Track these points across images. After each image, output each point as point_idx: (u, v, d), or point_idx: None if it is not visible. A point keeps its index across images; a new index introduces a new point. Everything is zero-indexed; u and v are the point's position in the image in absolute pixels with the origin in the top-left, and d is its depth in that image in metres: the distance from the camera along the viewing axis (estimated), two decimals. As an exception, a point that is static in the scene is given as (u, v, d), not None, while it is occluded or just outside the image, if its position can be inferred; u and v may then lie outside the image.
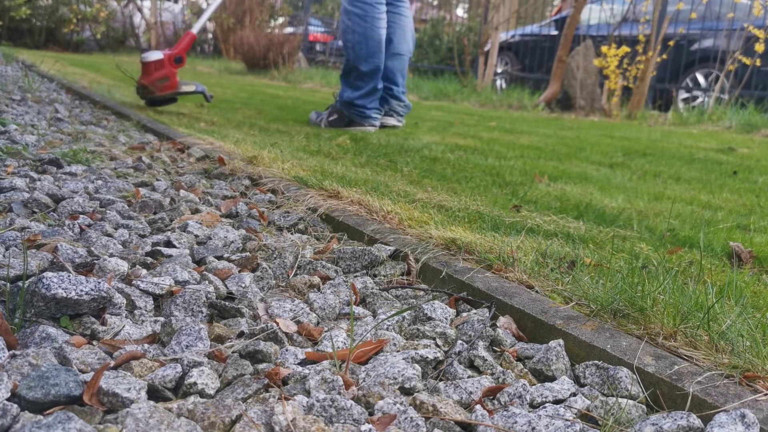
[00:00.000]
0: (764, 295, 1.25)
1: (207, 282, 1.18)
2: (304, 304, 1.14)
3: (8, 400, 0.75)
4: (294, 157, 2.37)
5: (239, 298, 1.16)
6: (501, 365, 0.98)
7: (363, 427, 0.76)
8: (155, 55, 3.52)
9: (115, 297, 1.04)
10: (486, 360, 0.97)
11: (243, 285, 1.19)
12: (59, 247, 1.21)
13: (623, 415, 0.85)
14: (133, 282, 1.12)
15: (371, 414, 0.81)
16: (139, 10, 13.18)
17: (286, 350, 0.97)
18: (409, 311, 1.13)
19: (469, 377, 0.94)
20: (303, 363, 0.94)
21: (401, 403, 0.81)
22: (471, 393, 0.88)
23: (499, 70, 9.57)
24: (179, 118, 3.44)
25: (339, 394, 0.84)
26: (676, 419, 0.80)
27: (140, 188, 1.84)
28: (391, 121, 3.82)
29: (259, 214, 1.71)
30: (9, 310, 0.98)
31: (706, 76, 7.50)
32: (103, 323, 0.99)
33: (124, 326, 0.98)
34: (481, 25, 8.97)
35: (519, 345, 1.05)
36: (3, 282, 1.03)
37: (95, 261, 1.19)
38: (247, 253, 1.38)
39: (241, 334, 1.01)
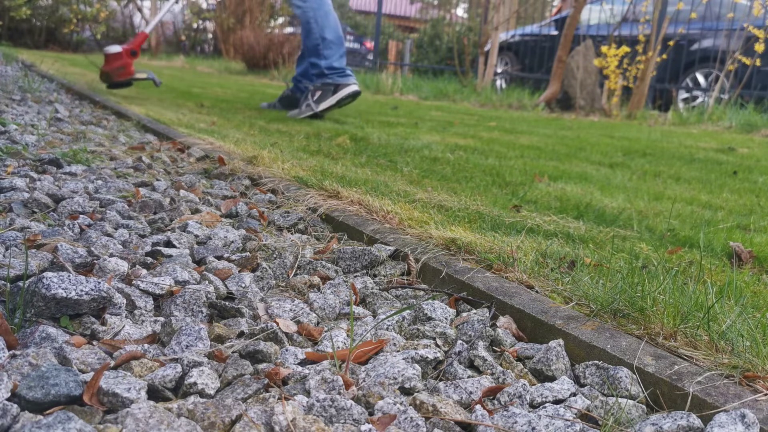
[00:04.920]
0: (764, 295, 1.25)
1: (207, 282, 1.18)
2: (304, 304, 1.14)
3: (8, 400, 0.75)
4: (294, 157, 2.37)
5: (239, 298, 1.16)
6: (501, 365, 0.98)
7: (363, 427, 0.76)
8: (115, 49, 4.20)
9: (115, 297, 1.04)
10: (486, 360, 0.97)
11: (243, 285, 1.19)
12: (59, 247, 1.21)
13: (623, 415, 0.85)
14: (133, 282, 1.12)
15: (371, 414, 0.81)
16: (139, 10, 13.18)
17: (286, 350, 0.97)
18: (409, 311, 1.13)
19: (469, 377, 0.94)
20: (303, 363, 0.95)
21: (401, 403, 0.81)
22: (471, 393, 0.88)
23: (499, 70, 9.57)
24: (179, 118, 3.44)
25: (339, 394, 0.84)
26: (676, 419, 0.80)
27: (140, 188, 1.84)
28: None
29: (259, 214, 1.71)
30: (9, 310, 0.98)
31: (706, 76, 7.50)
32: (103, 323, 0.99)
33: (124, 326, 0.98)
34: (481, 25, 8.97)
35: (519, 345, 1.05)
36: (3, 282, 1.03)
37: (95, 261, 1.19)
38: (247, 253, 1.38)
39: (241, 334, 1.01)
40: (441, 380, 0.93)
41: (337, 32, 3.84)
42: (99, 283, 1.01)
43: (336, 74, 3.84)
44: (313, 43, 3.82)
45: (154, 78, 4.27)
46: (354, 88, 3.87)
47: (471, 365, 0.99)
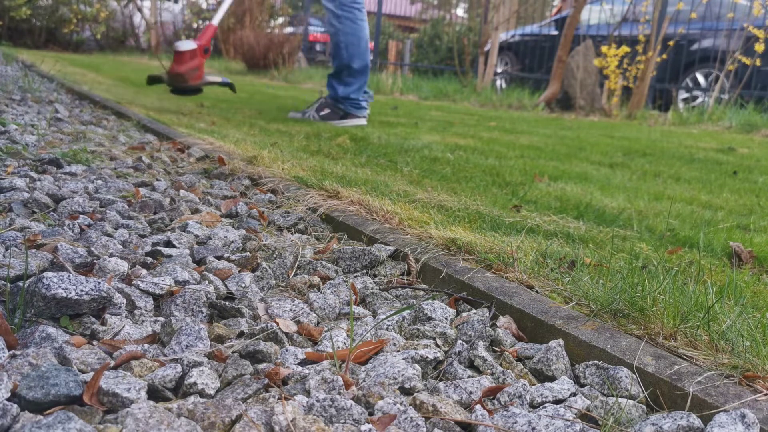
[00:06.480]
0: (764, 295, 1.25)
1: (207, 282, 1.18)
2: (304, 304, 1.14)
3: (8, 400, 0.75)
4: (294, 157, 2.37)
5: (239, 298, 1.16)
6: (501, 365, 0.98)
7: (363, 427, 0.76)
8: (190, 45, 3.52)
9: (115, 297, 1.04)
10: (486, 360, 0.97)
11: (243, 285, 1.19)
12: (59, 247, 1.21)
13: (623, 415, 0.85)
14: (133, 282, 1.12)
15: (371, 414, 0.81)
16: (139, 10, 13.18)
17: (286, 350, 0.97)
18: (409, 311, 1.13)
19: (469, 377, 0.94)
20: (303, 363, 0.95)
21: (401, 403, 0.81)
22: (471, 393, 0.88)
23: (499, 70, 9.57)
24: (179, 118, 3.44)
25: (339, 394, 0.84)
26: (676, 419, 0.80)
27: (140, 188, 1.84)
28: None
29: (259, 214, 1.71)
30: (9, 310, 0.98)
31: (706, 76, 7.50)
32: (103, 323, 0.99)
33: (124, 326, 0.98)
34: (481, 25, 8.97)
35: (519, 345, 1.05)
36: (3, 282, 1.03)
37: (95, 261, 1.19)
38: (247, 253, 1.38)
39: (241, 334, 1.01)
40: (441, 380, 0.93)
41: (365, 60, 3.79)
42: (99, 283, 1.01)
43: (351, 104, 3.85)
44: (338, 66, 3.78)
45: (230, 83, 3.81)
46: (362, 122, 3.87)
47: (471, 365, 0.99)
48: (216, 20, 3.75)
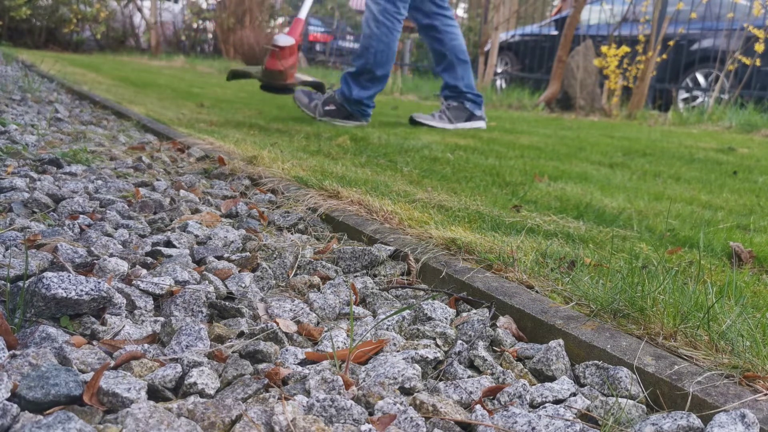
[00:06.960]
0: (764, 295, 1.25)
1: (207, 282, 1.18)
2: (304, 304, 1.14)
3: (8, 400, 0.75)
4: (294, 157, 2.37)
5: (239, 298, 1.16)
6: (501, 365, 0.98)
7: (363, 427, 0.76)
8: (289, 40, 3.40)
9: (115, 297, 1.04)
10: (486, 360, 0.97)
11: (243, 285, 1.19)
12: (59, 247, 1.21)
13: (623, 415, 0.85)
14: (133, 282, 1.12)
15: (371, 414, 0.81)
16: (139, 10, 13.18)
17: (286, 350, 0.97)
18: (409, 311, 1.13)
19: (469, 377, 0.94)
20: (303, 363, 0.95)
21: (401, 403, 0.81)
22: (471, 393, 0.88)
23: (499, 70, 9.57)
24: (179, 118, 3.44)
25: (339, 394, 0.84)
26: (676, 419, 0.80)
27: (140, 188, 1.84)
28: (483, 123, 4.22)
29: (259, 214, 1.71)
30: (9, 310, 0.98)
31: (706, 76, 7.50)
32: (103, 323, 0.99)
33: (124, 326, 0.98)
34: (481, 25, 8.97)
35: (519, 345, 1.05)
36: (3, 282, 1.03)
37: (95, 261, 1.19)
38: (247, 253, 1.38)
39: (241, 334, 1.01)
40: (441, 380, 0.93)
41: (387, 71, 3.78)
42: (99, 283, 1.01)
43: (358, 110, 3.83)
44: (361, 67, 3.74)
45: (321, 83, 3.73)
46: (363, 123, 3.88)
47: (471, 365, 0.99)
48: (303, 14, 3.70)
